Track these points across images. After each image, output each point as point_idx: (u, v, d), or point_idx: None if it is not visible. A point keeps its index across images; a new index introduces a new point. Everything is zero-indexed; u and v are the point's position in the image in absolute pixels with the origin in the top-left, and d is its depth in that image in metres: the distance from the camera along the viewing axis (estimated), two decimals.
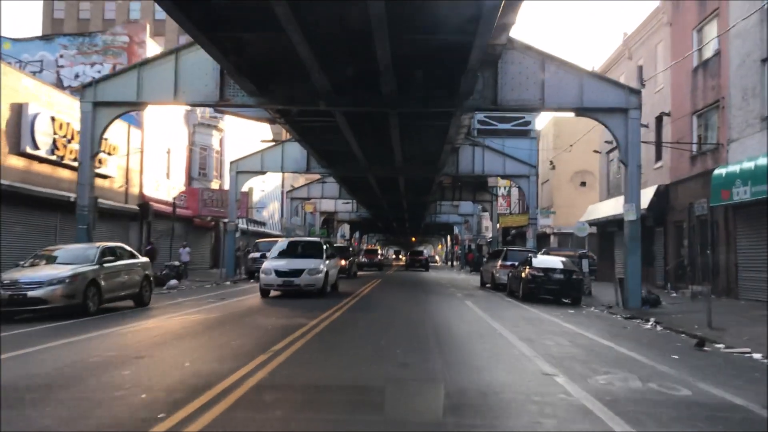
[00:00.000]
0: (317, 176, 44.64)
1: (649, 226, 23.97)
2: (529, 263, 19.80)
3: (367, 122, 21.42)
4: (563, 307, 17.42)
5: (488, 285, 26.08)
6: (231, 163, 32.60)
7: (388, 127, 20.97)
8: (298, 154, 32.02)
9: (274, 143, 34.23)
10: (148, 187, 29.75)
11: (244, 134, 39.54)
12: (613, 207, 26.91)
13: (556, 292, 18.91)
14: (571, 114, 20.12)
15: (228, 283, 26.35)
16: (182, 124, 33.93)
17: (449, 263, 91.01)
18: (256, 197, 46.86)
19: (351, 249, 60.36)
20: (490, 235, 62.65)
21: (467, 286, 28.25)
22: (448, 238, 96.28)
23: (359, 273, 37.08)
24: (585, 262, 22.42)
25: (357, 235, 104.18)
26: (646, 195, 23.25)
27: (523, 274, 19.51)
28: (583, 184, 41.04)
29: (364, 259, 45.44)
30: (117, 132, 25.58)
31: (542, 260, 20.32)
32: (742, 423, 5.92)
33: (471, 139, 30.16)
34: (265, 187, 49.17)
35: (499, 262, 24.32)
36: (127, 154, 27.32)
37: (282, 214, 44.28)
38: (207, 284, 24.62)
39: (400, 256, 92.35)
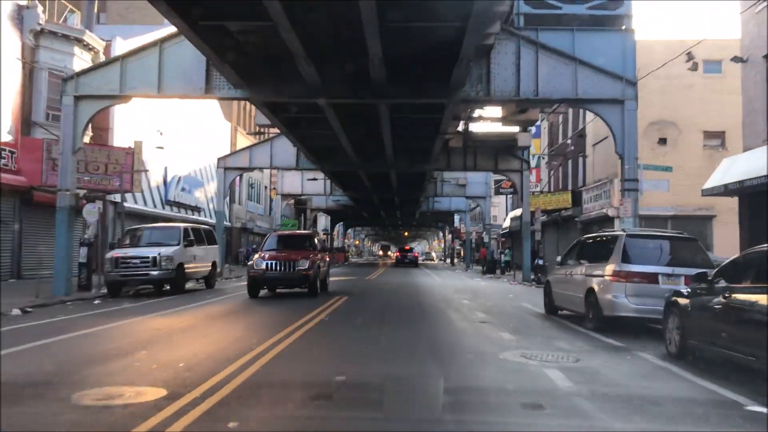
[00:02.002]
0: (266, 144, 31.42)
1: None
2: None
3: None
4: None
5: (562, 311, 12.50)
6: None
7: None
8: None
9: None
10: None
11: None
12: None
13: None
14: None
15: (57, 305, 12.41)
16: (9, 29, 19.79)
17: (448, 261, 77.20)
18: (179, 170, 32.80)
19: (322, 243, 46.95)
20: (506, 224, 48.68)
21: (512, 311, 14.53)
22: (446, 231, 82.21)
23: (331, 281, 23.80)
24: None
25: (340, 228, 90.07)
26: None
27: None
28: (662, 141, 27.20)
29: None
30: None
31: None
32: None
33: (514, 31, 16.26)
34: (197, 161, 35.05)
35: (611, 268, 10.19)
36: None
37: (223, 194, 30.30)
38: None
39: (389, 253, 78.15)
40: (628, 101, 16.31)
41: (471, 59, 15.04)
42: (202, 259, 19.40)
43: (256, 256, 17.09)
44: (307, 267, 16.22)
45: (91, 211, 17.11)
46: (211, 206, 40.73)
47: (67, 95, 17.50)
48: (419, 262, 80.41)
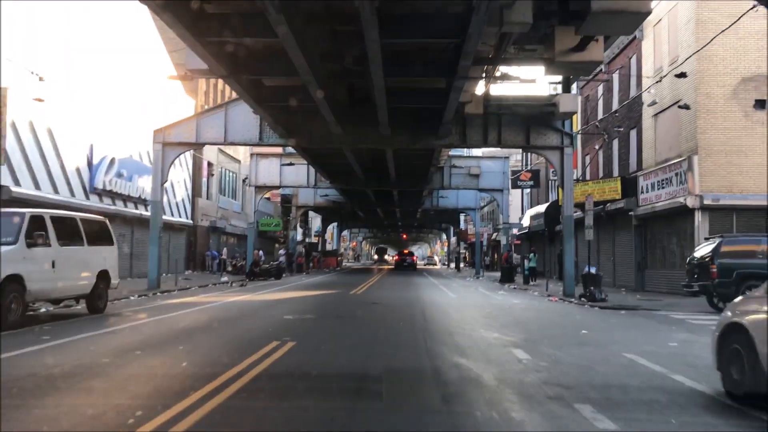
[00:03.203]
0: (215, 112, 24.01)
1: None
2: None
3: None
4: None
5: None
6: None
7: None
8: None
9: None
10: None
11: None
12: None
13: None
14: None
15: None
16: None
17: (452, 266, 69.62)
18: (114, 150, 25.22)
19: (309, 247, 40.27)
20: (526, 222, 41.05)
21: (654, 396, 6.66)
22: (452, 233, 74.60)
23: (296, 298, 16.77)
24: None
25: (335, 230, 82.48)
26: None
27: None
28: (761, 104, 19.63)
29: None
30: None
31: None
32: None
33: None
34: (143, 140, 27.60)
35: None
36: None
37: (161, 179, 22.57)
38: None
39: (386, 257, 70.50)
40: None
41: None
42: (73, 268, 11.89)
43: None
44: None
45: None
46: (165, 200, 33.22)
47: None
48: (421, 266, 72.96)
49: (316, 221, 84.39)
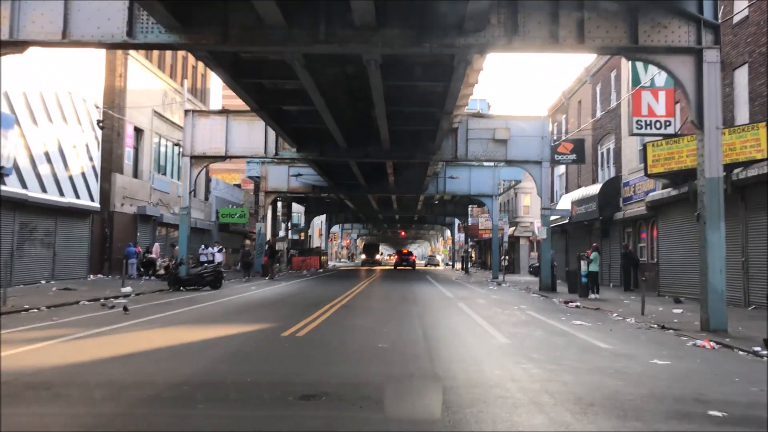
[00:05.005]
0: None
1: None
2: None
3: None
4: None
5: None
6: None
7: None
8: None
9: None
10: None
11: None
12: None
13: None
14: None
15: None
16: None
17: (458, 267, 59.33)
18: None
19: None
20: (565, 206, 30.41)
21: None
22: (456, 228, 64.20)
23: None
24: None
25: (323, 226, 72.03)
26: None
27: None
28: None
29: None
30: None
31: None
32: None
33: None
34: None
35: None
36: None
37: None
38: None
39: (377, 256, 60.06)
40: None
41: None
42: None
43: None
44: None
45: None
46: (83, 181, 22.95)
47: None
48: (421, 267, 63.84)
49: (316, 221, 74.12)
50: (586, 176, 30.41)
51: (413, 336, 10.01)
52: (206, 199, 38.76)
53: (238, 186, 50.61)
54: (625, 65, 25.56)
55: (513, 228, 46.77)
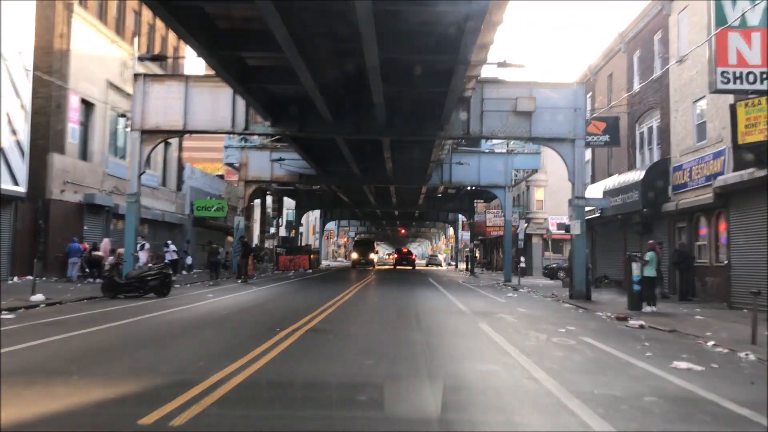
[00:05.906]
0: None
1: None
2: None
3: None
4: None
5: None
6: None
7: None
8: None
9: None
10: None
11: None
12: None
13: None
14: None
15: None
16: None
17: (461, 267, 54.56)
18: None
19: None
20: (595, 195, 25.53)
21: None
22: (459, 224, 59.49)
23: None
24: None
25: (317, 221, 67.32)
26: None
27: None
28: None
29: None
30: None
31: None
32: None
33: None
34: None
35: None
36: None
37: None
38: None
39: (371, 255, 55.10)
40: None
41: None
42: None
43: None
44: None
45: None
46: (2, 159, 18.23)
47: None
48: (421, 267, 59.72)
49: (313, 217, 69.39)
50: (620, 161, 25.70)
51: (418, 427, 5.08)
52: (179, 189, 33.98)
53: (221, 177, 45.84)
54: (675, 24, 20.90)
55: (525, 225, 42.06)
